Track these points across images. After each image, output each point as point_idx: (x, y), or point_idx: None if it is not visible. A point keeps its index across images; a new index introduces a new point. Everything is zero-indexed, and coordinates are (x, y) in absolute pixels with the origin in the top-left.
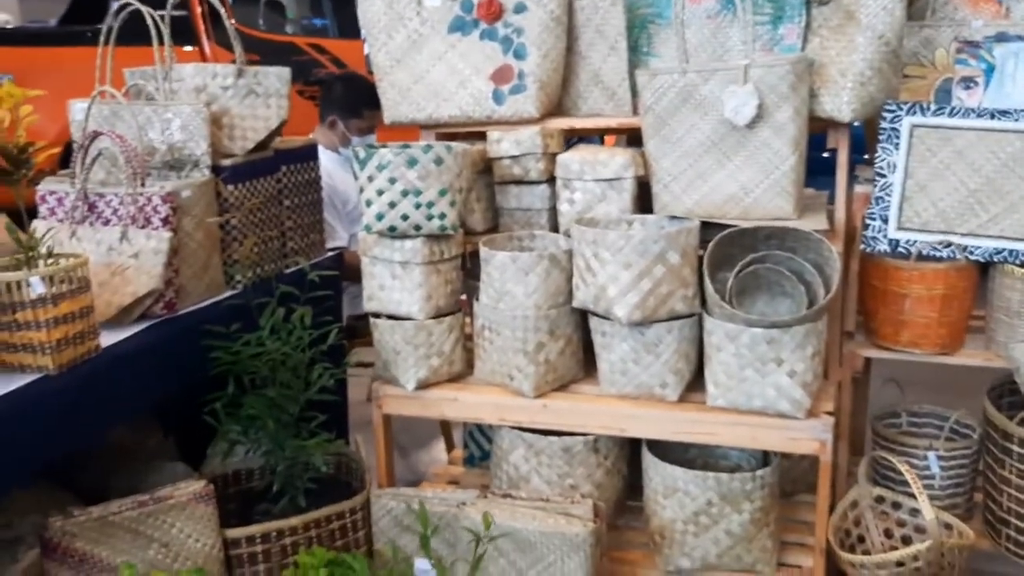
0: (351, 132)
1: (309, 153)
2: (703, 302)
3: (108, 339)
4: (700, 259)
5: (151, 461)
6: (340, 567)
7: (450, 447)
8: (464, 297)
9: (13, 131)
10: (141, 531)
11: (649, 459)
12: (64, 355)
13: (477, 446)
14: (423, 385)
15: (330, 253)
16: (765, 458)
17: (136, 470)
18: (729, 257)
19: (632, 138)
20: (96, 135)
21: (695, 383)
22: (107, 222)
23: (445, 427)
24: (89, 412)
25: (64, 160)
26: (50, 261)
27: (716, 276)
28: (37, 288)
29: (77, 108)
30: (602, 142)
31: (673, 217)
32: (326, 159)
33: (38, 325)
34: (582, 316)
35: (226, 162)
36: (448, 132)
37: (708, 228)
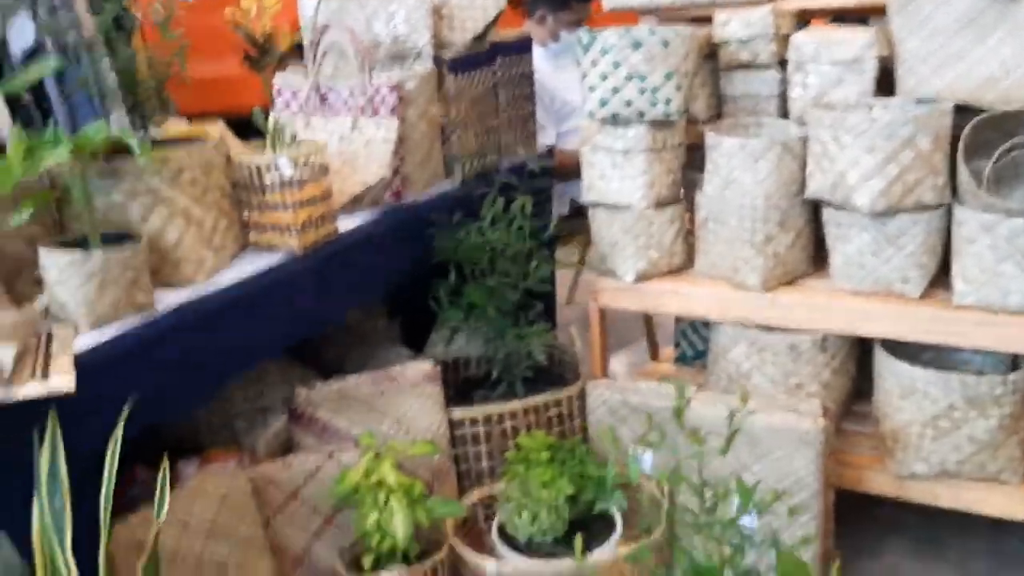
0: (560, 26)
1: (524, 46)
2: (953, 191)
3: (342, 225)
4: (952, 145)
5: (379, 343)
6: (560, 451)
7: (654, 347)
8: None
9: (259, 19)
10: (376, 406)
11: (884, 358)
12: (307, 236)
13: (690, 344)
14: (642, 277)
15: (543, 149)
16: (1014, 362)
17: (365, 351)
18: (986, 143)
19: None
20: (326, 29)
21: (937, 280)
22: (337, 113)
23: (649, 327)
24: (330, 293)
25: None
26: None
27: (970, 164)
28: (285, 170)
29: (308, 3)
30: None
31: (920, 101)
32: (536, 55)
33: (285, 206)
34: (813, 209)
35: (447, 53)
36: (669, 17)
37: (959, 114)
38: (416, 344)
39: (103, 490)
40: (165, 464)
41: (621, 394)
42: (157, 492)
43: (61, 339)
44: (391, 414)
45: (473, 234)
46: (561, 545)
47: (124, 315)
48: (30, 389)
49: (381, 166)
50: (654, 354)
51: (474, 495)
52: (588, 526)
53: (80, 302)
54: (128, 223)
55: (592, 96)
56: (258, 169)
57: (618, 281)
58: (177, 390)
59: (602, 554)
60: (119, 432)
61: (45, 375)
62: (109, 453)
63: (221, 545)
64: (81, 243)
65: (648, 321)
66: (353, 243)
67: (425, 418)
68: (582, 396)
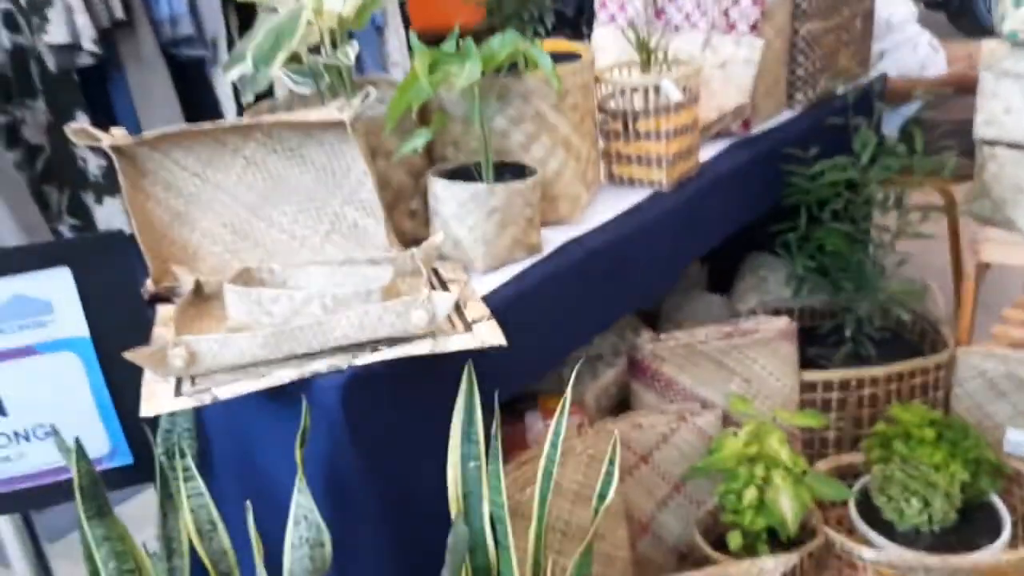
0: None
1: None
2: None
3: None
4: None
5: (690, 290)
6: (949, 429)
7: None
8: None
9: None
10: (724, 363)
11: None
12: (675, 170)
13: None
14: None
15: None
16: None
17: (678, 298)
18: None
19: None
20: None
21: None
22: (677, 28)
23: None
24: (691, 236)
25: None
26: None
27: None
28: (672, 94)
29: None
30: None
31: None
32: None
33: (657, 136)
34: None
35: None
36: None
37: None
38: (718, 290)
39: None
40: (562, 412)
41: (1005, 364)
42: (546, 449)
43: (457, 280)
44: (740, 373)
45: (827, 171)
46: (940, 537)
47: (517, 256)
48: (459, 341)
49: (741, 91)
50: None
51: (820, 467)
52: (970, 518)
53: (478, 240)
54: (508, 152)
55: (1018, 14)
56: (634, 92)
57: (1016, 234)
58: (555, 341)
59: (992, 554)
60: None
61: (467, 325)
62: (496, 409)
63: (586, 509)
64: (462, 174)
65: None
66: (715, 179)
67: (778, 380)
68: (951, 364)
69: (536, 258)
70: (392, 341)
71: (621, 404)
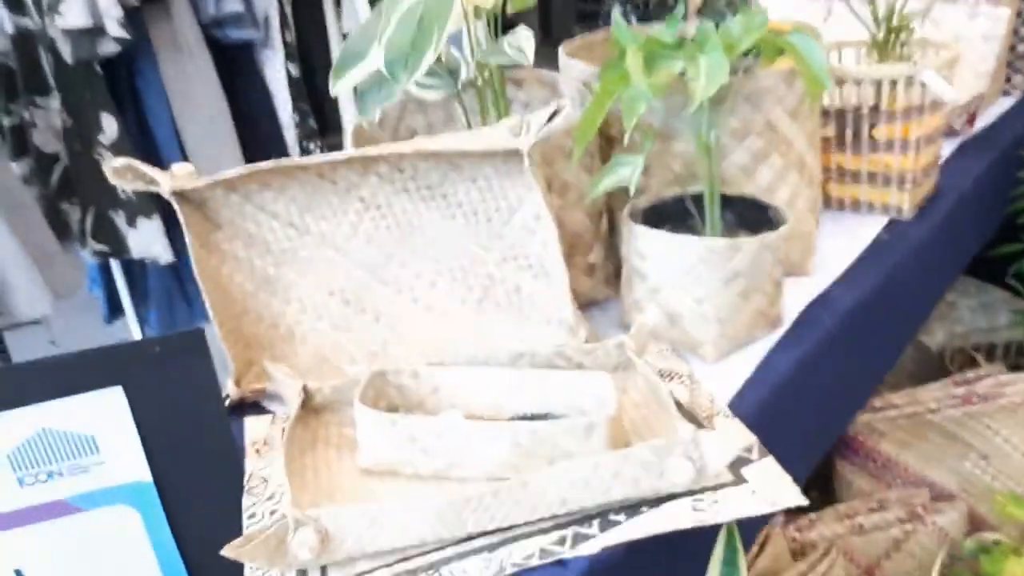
0: None
1: None
2: None
3: None
4: None
5: None
6: None
7: None
8: None
9: None
10: (959, 436)
11: None
12: (920, 191)
13: None
14: None
15: None
16: None
17: None
18: None
19: None
20: None
21: None
22: None
23: None
24: (931, 279)
25: None
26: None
27: None
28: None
29: None
30: None
31: None
32: None
33: (904, 146)
34: None
35: None
36: None
37: None
38: None
39: None
40: None
41: None
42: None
43: (677, 375)
44: (977, 447)
45: None
46: None
47: (757, 334)
48: (738, 502)
49: (978, 76)
50: None
51: None
52: None
53: (710, 317)
54: (725, 178)
55: None
56: (871, 86)
57: None
58: (807, 447)
59: None
60: None
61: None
62: None
63: None
64: (666, 212)
65: None
66: (958, 196)
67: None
68: None
69: (777, 334)
70: (630, 506)
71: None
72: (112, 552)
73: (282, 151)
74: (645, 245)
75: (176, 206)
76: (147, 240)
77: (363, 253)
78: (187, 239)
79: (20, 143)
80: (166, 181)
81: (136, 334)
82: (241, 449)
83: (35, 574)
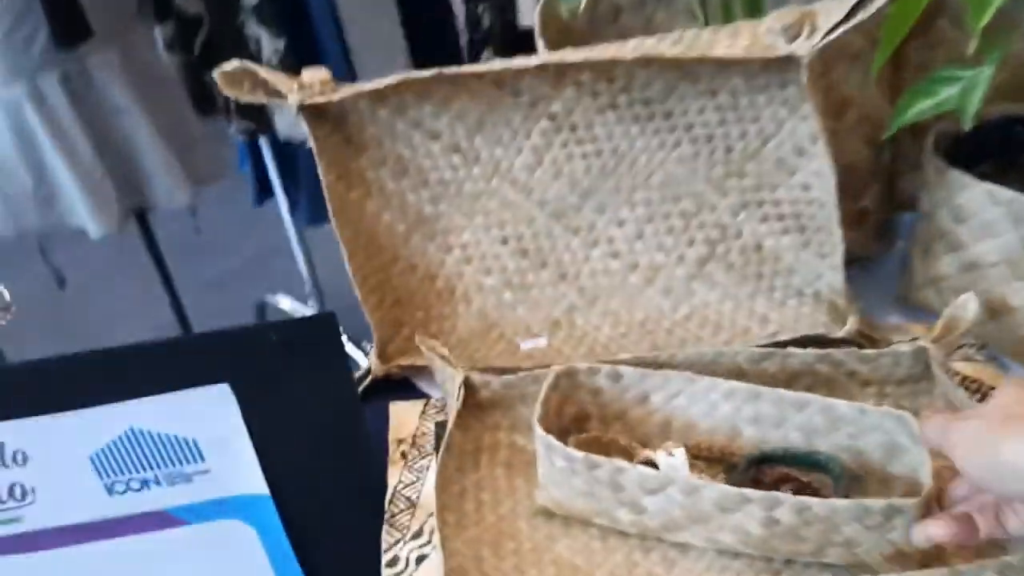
0: None
1: None
2: None
3: None
4: None
5: None
6: None
7: None
8: None
9: None
10: None
11: None
12: None
13: None
14: None
15: None
16: None
17: None
18: None
19: None
20: None
21: None
22: None
23: None
24: None
25: None
26: None
27: None
28: None
29: None
30: None
31: None
32: None
33: None
34: None
35: None
36: None
37: None
38: None
39: None
40: None
41: None
42: None
43: None
44: None
45: None
46: None
47: None
48: None
49: None
50: None
51: None
52: None
53: None
54: None
55: None
56: None
57: None
58: None
59: None
60: None
61: None
62: None
63: None
64: (989, 142)
65: None
66: None
67: None
68: None
69: None
70: None
71: None
72: (224, 571)
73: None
74: (967, 200)
75: (306, 124)
76: (292, 120)
77: (549, 190)
78: (319, 166)
79: (163, 5)
80: (295, 92)
81: (285, 218)
82: (382, 445)
83: None
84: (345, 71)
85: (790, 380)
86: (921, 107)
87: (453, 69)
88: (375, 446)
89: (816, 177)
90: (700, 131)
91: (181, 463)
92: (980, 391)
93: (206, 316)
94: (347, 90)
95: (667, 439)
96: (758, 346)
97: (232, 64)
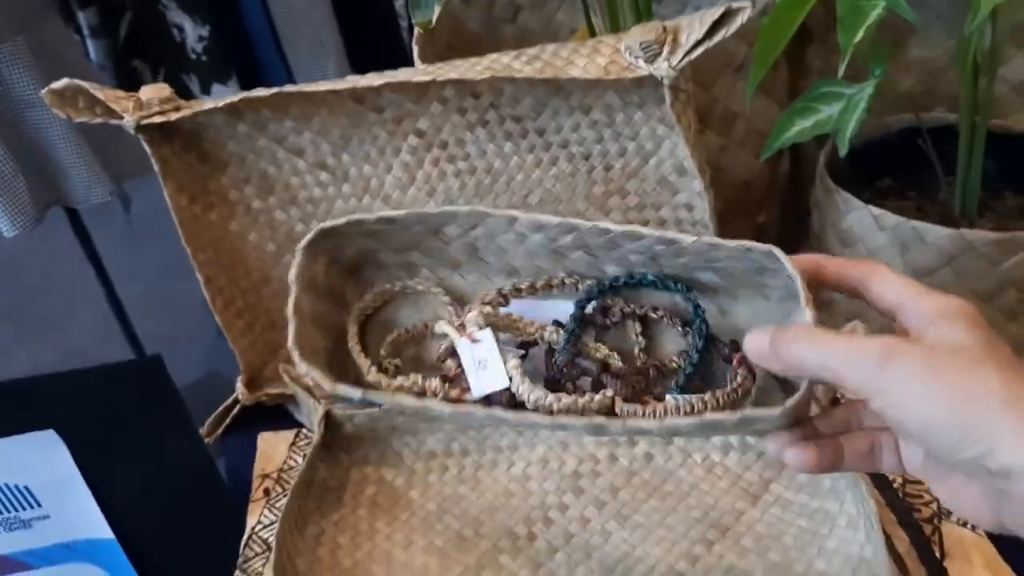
0: None
1: None
2: None
3: None
4: None
5: None
6: None
7: None
8: None
9: None
10: None
11: None
12: None
13: None
14: None
15: None
16: None
17: None
18: None
19: None
20: None
21: None
22: None
23: None
24: None
25: None
26: None
27: None
28: None
29: None
30: None
31: None
32: None
33: None
34: None
35: None
36: None
37: None
38: None
39: None
40: None
41: None
42: None
43: None
44: None
45: None
46: None
47: None
48: None
49: None
50: None
51: None
52: None
53: None
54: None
55: None
56: None
57: None
58: None
59: None
60: None
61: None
62: None
63: None
64: (889, 153)
65: None
66: None
67: None
68: None
69: None
70: None
71: None
72: None
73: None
74: (853, 224)
75: (147, 148)
76: None
77: (425, 209)
78: (165, 189)
79: None
80: (130, 111)
81: None
82: (249, 478)
83: None
84: (277, 59)
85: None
86: (801, 128)
87: (298, 87)
88: (246, 478)
89: (698, 197)
90: (576, 148)
91: (16, 509)
92: None
93: (148, 309)
94: (192, 107)
95: (479, 270)
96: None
97: (61, 83)
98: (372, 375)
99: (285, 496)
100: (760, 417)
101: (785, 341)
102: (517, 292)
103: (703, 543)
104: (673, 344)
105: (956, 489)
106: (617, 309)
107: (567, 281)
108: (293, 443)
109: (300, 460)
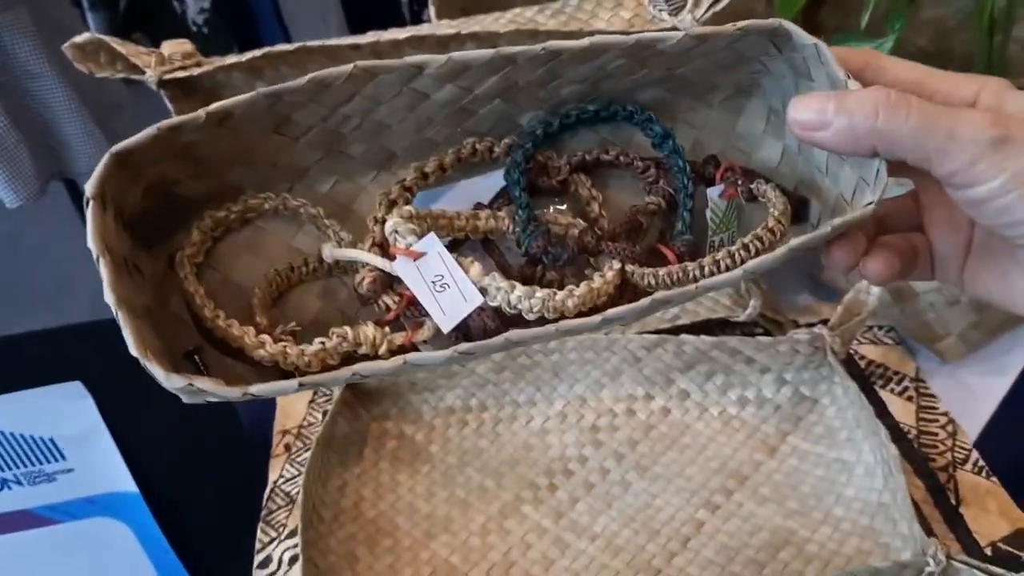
0: None
1: None
2: None
3: None
4: None
5: None
6: None
7: None
8: None
9: None
10: None
11: None
12: None
13: None
14: None
15: None
16: None
17: None
18: None
19: None
20: None
21: None
22: None
23: None
24: None
25: None
26: None
27: None
28: None
29: None
30: None
31: None
32: None
33: None
34: None
35: None
36: None
37: None
38: None
39: None
40: None
41: None
42: None
43: (900, 376)
44: None
45: None
46: None
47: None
48: None
49: None
50: None
51: None
52: None
53: (969, 298)
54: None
55: None
56: None
57: None
58: None
59: None
60: None
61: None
62: None
63: None
64: None
65: None
66: None
67: None
68: None
69: None
70: None
71: None
72: (102, 565)
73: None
74: None
75: (169, 105)
76: None
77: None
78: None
79: None
80: (152, 66)
81: None
82: (269, 434)
83: None
84: (279, 32)
85: (687, 367)
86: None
87: (321, 42)
88: (265, 434)
89: None
90: None
91: (40, 462)
92: (886, 375)
93: None
94: (213, 63)
95: (339, 171)
96: (655, 331)
97: (83, 36)
98: (270, 347)
99: (306, 451)
100: (852, 220)
101: (866, 103)
102: (423, 178)
103: (722, 492)
104: (631, 188)
105: (1011, 280)
106: (562, 163)
107: (478, 147)
108: (312, 400)
109: (319, 416)
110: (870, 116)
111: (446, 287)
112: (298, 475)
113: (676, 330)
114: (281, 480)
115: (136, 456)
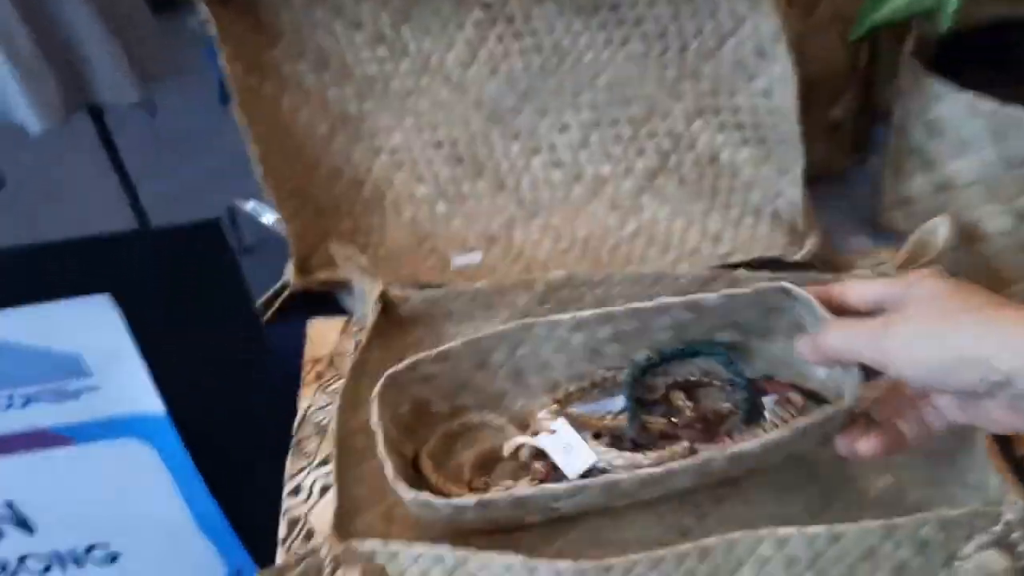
0: None
1: None
2: None
3: None
4: None
5: None
6: None
7: None
8: None
9: None
10: None
11: None
12: None
13: None
14: None
15: None
16: None
17: None
18: None
19: None
20: None
21: None
22: None
23: None
24: None
25: None
26: None
27: None
28: None
29: None
30: None
31: None
32: None
33: None
34: None
35: None
36: None
37: None
38: None
39: None
40: None
41: None
42: None
43: None
44: None
45: None
46: None
47: None
48: None
49: None
50: None
51: None
52: None
53: None
54: None
55: None
56: None
57: None
58: None
59: None
60: None
61: None
62: None
63: None
64: (976, 49)
65: None
66: None
67: None
68: None
69: None
70: None
71: None
72: (126, 487)
73: None
74: (944, 112)
75: (207, 8)
76: None
77: (485, 89)
78: (222, 56)
79: None
80: None
81: None
82: (295, 366)
83: (32, 507)
84: None
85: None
86: (895, 4)
87: None
88: (292, 366)
89: (779, 82)
90: (651, 26)
91: (65, 378)
92: None
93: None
94: None
95: (523, 394)
96: (707, 268)
97: None
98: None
99: (338, 379)
100: (836, 413)
101: (820, 336)
102: (569, 397)
103: None
104: (713, 399)
105: (993, 415)
106: (660, 383)
107: (606, 376)
108: (344, 329)
109: (351, 346)
110: (822, 344)
111: (571, 449)
112: (329, 404)
113: (731, 267)
114: (311, 409)
115: (164, 377)
